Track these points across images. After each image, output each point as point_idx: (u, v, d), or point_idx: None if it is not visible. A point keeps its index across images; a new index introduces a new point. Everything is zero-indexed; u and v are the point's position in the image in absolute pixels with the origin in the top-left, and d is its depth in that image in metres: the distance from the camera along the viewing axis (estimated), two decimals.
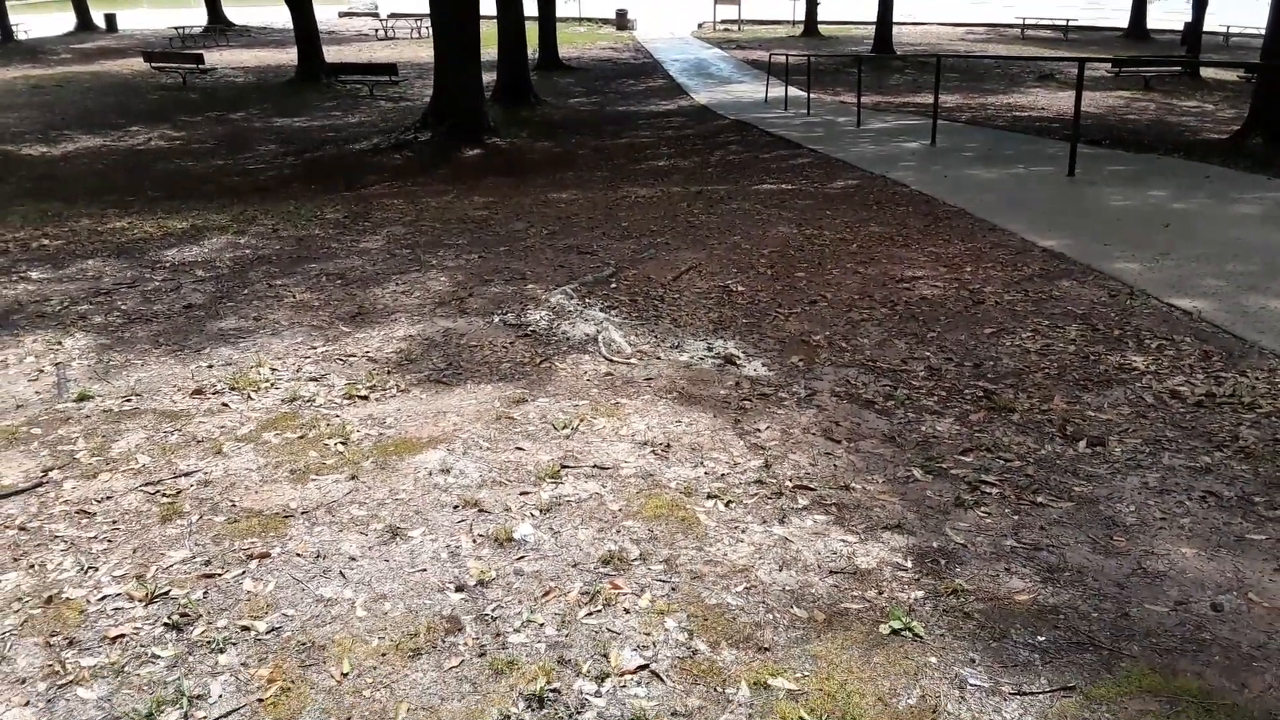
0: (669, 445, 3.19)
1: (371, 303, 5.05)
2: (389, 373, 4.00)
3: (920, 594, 2.33)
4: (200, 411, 3.63)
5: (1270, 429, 3.30)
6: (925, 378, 3.87)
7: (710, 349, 4.22)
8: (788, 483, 2.93)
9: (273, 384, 3.91)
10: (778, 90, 18.26)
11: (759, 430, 3.34)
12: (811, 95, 16.73)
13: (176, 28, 34.23)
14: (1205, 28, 25.85)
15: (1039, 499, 2.84)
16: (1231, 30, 31.70)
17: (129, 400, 3.77)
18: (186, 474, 3.05)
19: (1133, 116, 15.57)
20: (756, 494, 2.86)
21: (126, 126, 16.78)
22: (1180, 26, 29.13)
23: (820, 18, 35.90)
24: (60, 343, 4.52)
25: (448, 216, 7.60)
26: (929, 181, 8.44)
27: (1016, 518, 2.73)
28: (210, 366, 4.16)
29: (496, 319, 4.69)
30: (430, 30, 15.21)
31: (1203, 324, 4.39)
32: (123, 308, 5.09)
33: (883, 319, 4.61)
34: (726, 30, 37.84)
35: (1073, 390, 3.68)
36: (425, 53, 20.80)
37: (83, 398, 3.78)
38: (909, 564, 2.48)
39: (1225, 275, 5.14)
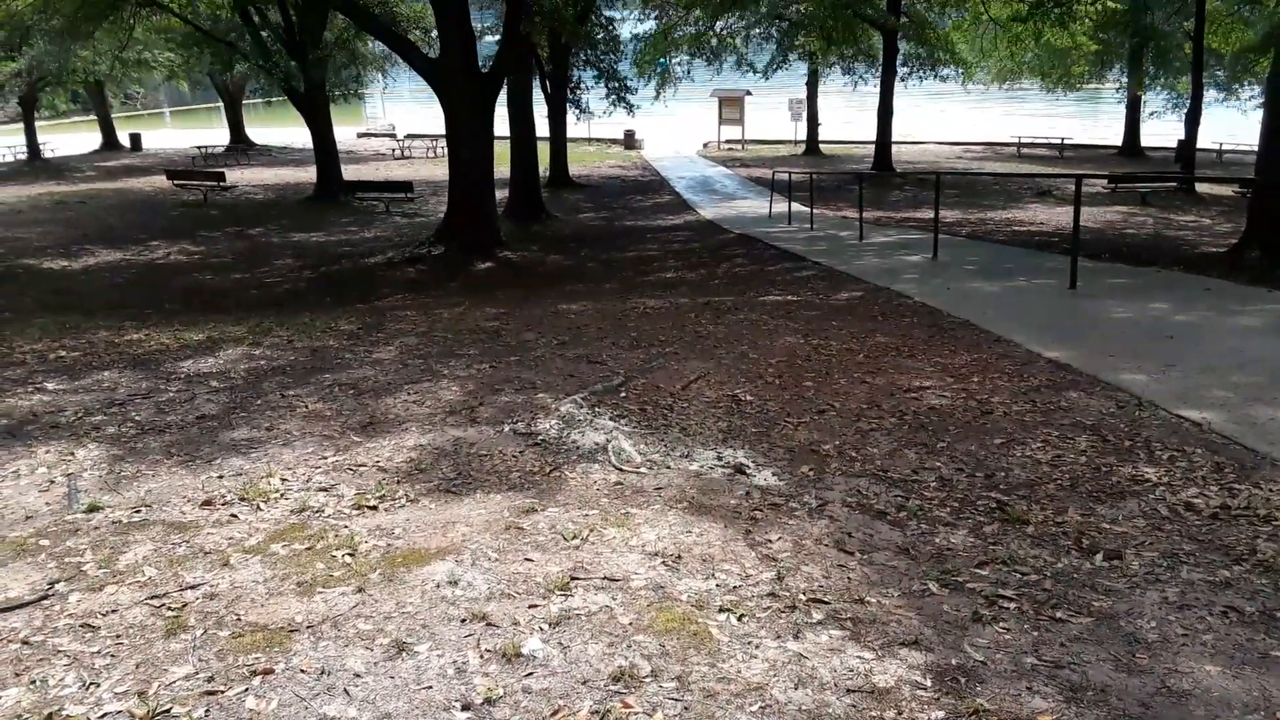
0: (680, 556, 3.16)
1: (383, 412, 5.09)
2: (398, 482, 4.00)
3: (941, 714, 2.27)
4: (209, 522, 3.62)
5: None
6: (937, 488, 3.85)
7: (720, 458, 4.22)
8: (801, 596, 2.89)
9: (282, 494, 3.91)
10: (781, 206, 18.73)
11: (771, 541, 3.31)
12: (814, 211, 17.15)
13: (199, 147, 35.48)
14: (1198, 145, 26.61)
15: (1058, 614, 2.78)
16: (1224, 147, 32.59)
17: (138, 511, 3.77)
18: (193, 586, 3.02)
19: (1131, 231, 15.88)
20: (770, 607, 2.82)
21: (147, 241, 17.23)
22: (1173, 144, 29.99)
23: (821, 137, 37.10)
24: (73, 453, 4.55)
25: (460, 327, 7.72)
26: (932, 293, 8.57)
27: (1036, 634, 2.67)
28: (221, 477, 4.17)
29: (507, 428, 4.71)
30: (445, 149, 15.74)
31: (1213, 435, 4.38)
32: (136, 418, 5.13)
33: (892, 428, 4.62)
34: (730, 149, 39.07)
35: (1086, 502, 3.65)
36: (440, 171, 21.45)
37: (92, 509, 3.78)
38: (928, 682, 2.42)
39: (1231, 386, 5.16)
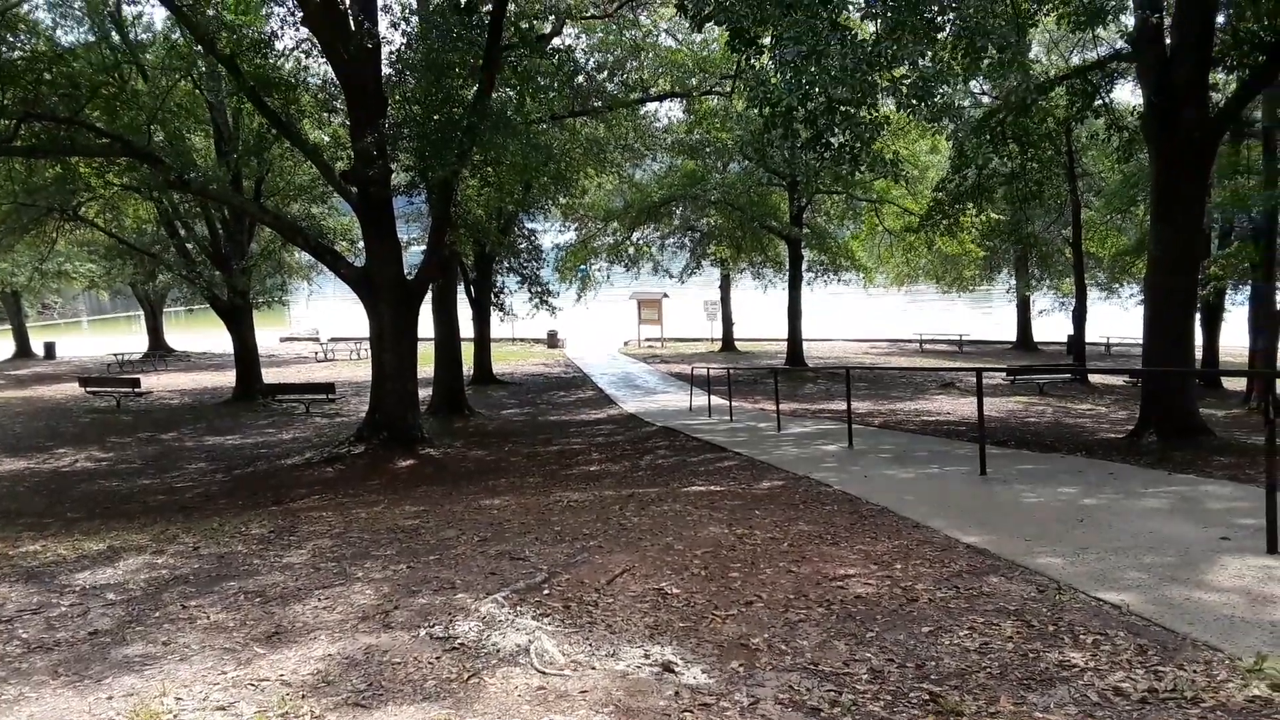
0: None
1: (291, 620, 4.82)
2: (303, 697, 3.74)
3: None
4: None
5: None
6: (869, 681, 3.77)
7: (647, 656, 4.08)
8: None
9: (176, 715, 3.60)
10: (701, 399, 19.15)
11: None
12: (733, 404, 17.56)
13: (116, 354, 34.97)
14: (1087, 339, 28.49)
15: None
16: (1111, 340, 34.92)
17: None
18: None
19: (1033, 420, 16.60)
20: None
21: (53, 449, 16.58)
22: (1063, 337, 32.04)
23: (736, 335, 38.60)
24: None
25: (377, 527, 7.49)
26: (850, 481, 8.72)
27: None
28: (110, 698, 3.84)
29: (423, 632, 4.49)
30: (369, 351, 15.87)
31: (1133, 617, 4.43)
32: (23, 636, 4.75)
33: (820, 619, 4.56)
34: (650, 347, 40.24)
35: (1017, 690, 3.61)
36: (363, 372, 21.51)
37: None
38: None
39: (1145, 567, 5.28)
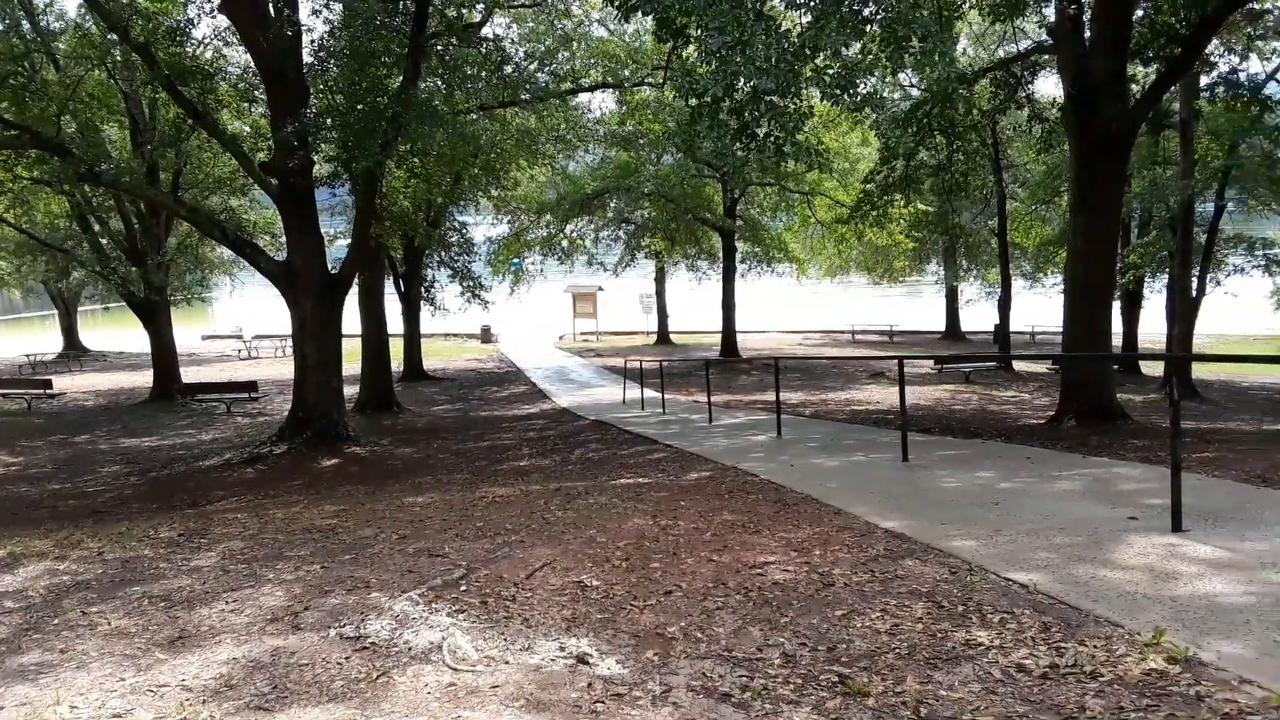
0: None
1: (195, 625, 4.66)
2: (204, 702, 3.61)
3: None
4: None
5: (1114, 697, 3.32)
6: (781, 665, 3.78)
7: (563, 649, 4.04)
8: None
9: None
10: (635, 392, 19.15)
11: None
12: (666, 396, 17.60)
13: (27, 355, 33.65)
14: (1012, 328, 29.24)
15: None
16: (1035, 329, 35.87)
17: None
18: None
19: (958, 407, 16.98)
20: None
21: None
22: (990, 327, 32.82)
23: (671, 327, 38.70)
24: None
25: (293, 528, 7.31)
26: (777, 471, 8.78)
27: None
28: (2, 708, 3.67)
29: (333, 632, 4.38)
30: (293, 348, 15.53)
31: (1039, 596, 4.52)
32: None
33: (737, 606, 4.57)
34: (586, 341, 40.13)
35: (924, 670, 3.66)
36: (288, 370, 21.02)
37: None
38: None
39: (1054, 548, 5.40)
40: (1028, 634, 3.99)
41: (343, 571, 5.58)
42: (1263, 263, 26.92)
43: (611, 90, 24.61)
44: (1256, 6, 14.64)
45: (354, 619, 4.56)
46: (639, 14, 10.25)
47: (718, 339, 32.65)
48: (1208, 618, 4.02)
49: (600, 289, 40.99)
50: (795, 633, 4.15)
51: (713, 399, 15.53)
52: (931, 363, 23.98)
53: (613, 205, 31.42)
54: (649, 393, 18.89)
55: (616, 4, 10.29)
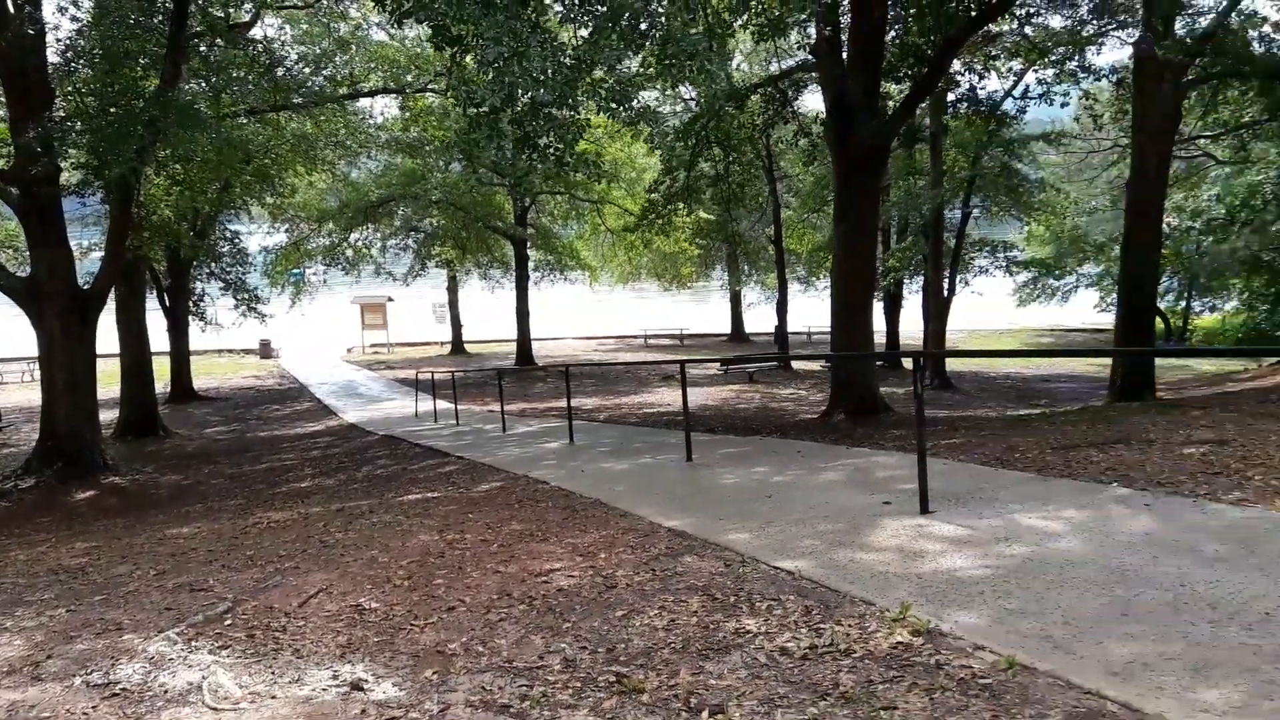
0: None
1: None
2: None
3: None
4: None
5: (864, 672, 3.59)
6: (561, 670, 3.82)
7: (336, 677, 3.88)
8: None
9: None
10: (428, 405, 18.73)
11: None
12: (460, 407, 17.34)
13: None
14: (790, 329, 30.96)
15: None
16: (812, 329, 38.17)
17: None
18: None
19: (742, 406, 17.78)
20: None
21: None
22: (771, 329, 34.62)
23: (466, 337, 38.16)
24: None
25: (37, 569, 6.61)
26: (567, 477, 8.86)
27: None
28: None
29: (78, 681, 4.00)
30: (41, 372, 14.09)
31: (803, 581, 4.82)
32: None
33: (520, 616, 4.57)
34: (376, 353, 38.82)
35: (696, 661, 3.80)
36: (37, 396, 19.01)
37: None
38: None
39: (818, 535, 5.76)
40: (791, 618, 4.24)
41: (92, 614, 5.11)
42: (1004, 264, 30.08)
43: (394, 96, 24.00)
44: (994, 29, 16.23)
45: (103, 664, 4.19)
46: (413, 20, 10.06)
47: (514, 347, 32.51)
48: (948, 591, 4.41)
49: (390, 299, 39.76)
50: (577, 637, 4.21)
51: (508, 408, 15.45)
52: (719, 364, 24.99)
53: (400, 213, 30.58)
54: (443, 404, 18.52)
55: (389, 9, 10.06)
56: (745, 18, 12.78)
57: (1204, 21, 15.73)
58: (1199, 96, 17.27)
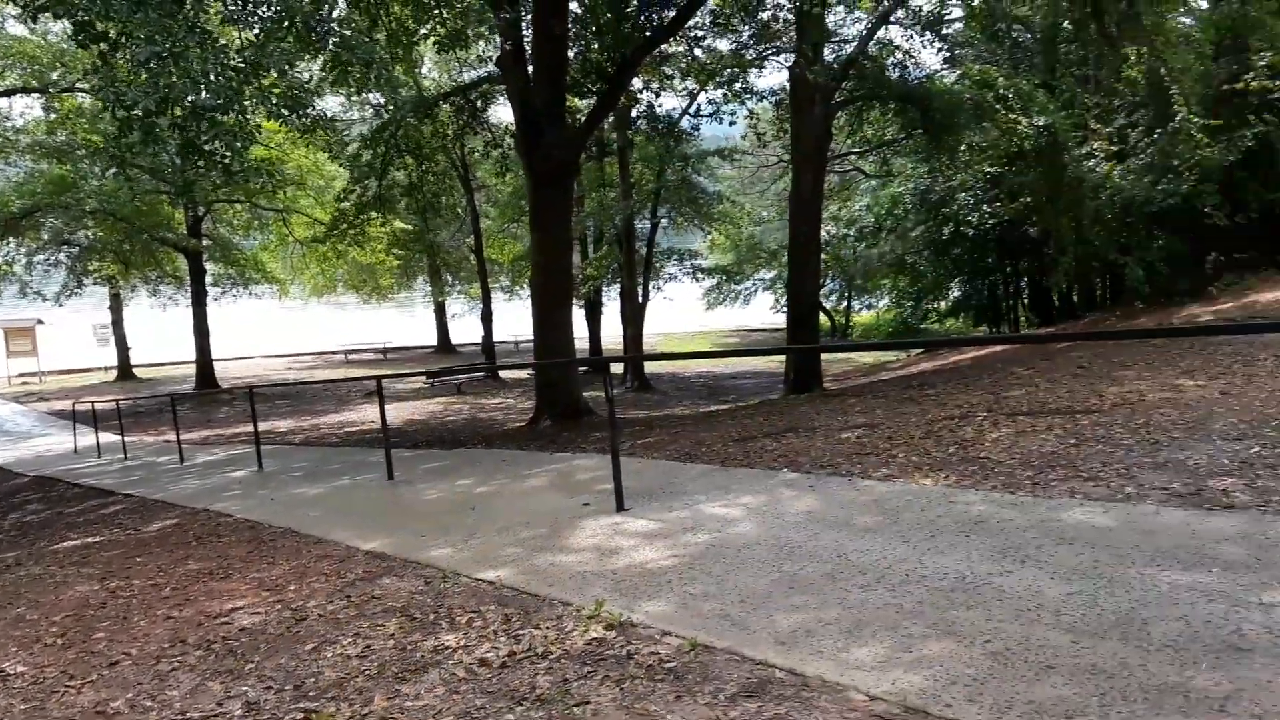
0: None
1: None
2: None
3: None
4: None
5: (560, 672, 3.68)
6: (242, 715, 3.57)
7: None
8: None
9: None
10: (90, 439, 16.67)
11: None
12: (129, 439, 15.62)
13: None
14: (497, 339, 31.02)
15: None
16: (519, 338, 38.47)
17: None
18: None
19: (450, 418, 17.56)
20: None
21: None
22: (478, 339, 34.48)
23: (136, 360, 34.41)
24: None
25: None
26: (255, 507, 8.28)
27: None
28: None
29: None
30: None
31: (504, 590, 4.85)
32: None
33: (196, 663, 4.21)
34: (26, 383, 33.97)
35: (392, 685, 3.71)
36: None
37: None
38: None
39: (520, 542, 5.83)
40: (491, 628, 4.26)
41: None
42: (691, 271, 32.14)
43: (36, 95, 21.22)
44: (667, 50, 17.23)
45: None
46: (50, 16, 8.93)
47: (193, 370, 29.74)
48: (640, 584, 4.64)
49: (40, 322, 34.86)
50: (261, 678, 3.95)
51: (188, 436, 14.14)
52: (424, 377, 24.48)
53: (48, 225, 26.93)
54: (109, 437, 16.55)
55: (20, 3, 8.86)
56: (429, 27, 12.61)
57: (848, 49, 17.79)
58: (848, 117, 19.45)
